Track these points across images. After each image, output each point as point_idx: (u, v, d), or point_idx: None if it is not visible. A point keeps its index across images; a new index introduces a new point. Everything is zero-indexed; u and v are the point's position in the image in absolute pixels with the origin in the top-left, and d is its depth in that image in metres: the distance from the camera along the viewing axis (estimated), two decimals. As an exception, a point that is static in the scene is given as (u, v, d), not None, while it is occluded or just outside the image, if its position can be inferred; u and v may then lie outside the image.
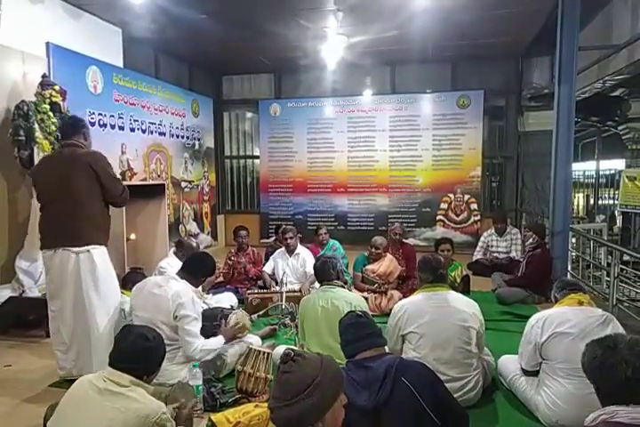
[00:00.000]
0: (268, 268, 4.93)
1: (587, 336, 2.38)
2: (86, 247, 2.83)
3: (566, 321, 2.44)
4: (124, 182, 3.24)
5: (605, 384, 1.53)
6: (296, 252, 4.87)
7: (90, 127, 3.15)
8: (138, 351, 1.93)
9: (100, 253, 2.90)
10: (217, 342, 2.92)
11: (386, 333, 2.84)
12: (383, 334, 2.03)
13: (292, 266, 4.85)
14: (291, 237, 4.83)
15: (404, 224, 6.61)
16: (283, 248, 4.99)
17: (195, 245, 4.28)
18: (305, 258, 4.80)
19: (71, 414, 1.83)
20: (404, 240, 5.32)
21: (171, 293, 2.74)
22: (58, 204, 2.87)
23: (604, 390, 1.54)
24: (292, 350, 1.44)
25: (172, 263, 3.89)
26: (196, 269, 3.00)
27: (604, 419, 1.49)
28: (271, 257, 5.01)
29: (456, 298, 2.71)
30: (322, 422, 1.34)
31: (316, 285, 4.33)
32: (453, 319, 2.58)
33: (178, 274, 2.96)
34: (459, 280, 4.79)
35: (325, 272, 3.03)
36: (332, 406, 1.36)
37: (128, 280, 3.60)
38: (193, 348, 2.71)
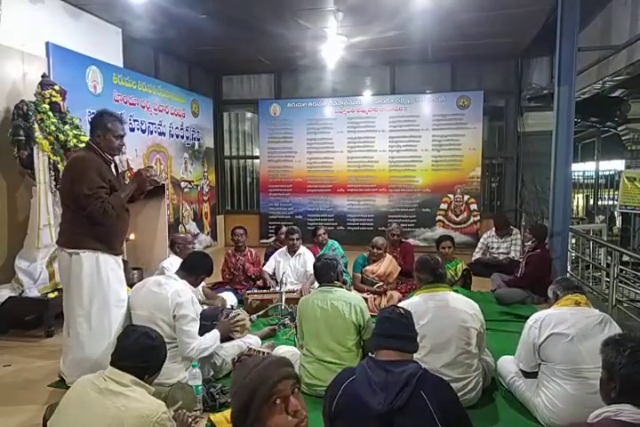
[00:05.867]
0: (268, 267, 4.92)
1: (584, 337, 2.39)
2: (76, 250, 2.77)
3: (564, 322, 2.44)
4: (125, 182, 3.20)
5: (630, 381, 1.52)
6: (298, 252, 4.88)
7: (110, 126, 2.86)
8: (141, 349, 1.94)
9: (90, 258, 2.78)
10: (212, 336, 2.91)
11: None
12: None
13: (293, 266, 4.85)
14: (297, 238, 4.84)
15: (404, 225, 6.61)
16: (284, 248, 4.99)
17: (189, 237, 4.34)
18: (306, 259, 4.80)
19: (72, 413, 1.83)
20: (402, 240, 5.34)
21: (171, 291, 2.75)
22: (61, 204, 2.97)
23: (625, 388, 1.53)
24: (249, 353, 1.41)
25: (174, 263, 3.89)
26: (195, 268, 3.01)
27: (607, 416, 1.50)
28: (272, 256, 5.01)
29: (456, 298, 2.71)
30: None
31: (316, 285, 4.34)
32: (454, 320, 2.58)
33: (177, 273, 2.97)
34: (459, 274, 4.79)
35: (325, 274, 3.02)
36: (253, 415, 1.21)
37: None
38: (189, 349, 2.72)
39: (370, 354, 2.02)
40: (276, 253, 5.00)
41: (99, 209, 2.70)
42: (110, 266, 2.85)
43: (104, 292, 2.82)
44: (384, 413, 1.62)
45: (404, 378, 1.67)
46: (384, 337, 1.83)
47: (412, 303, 2.70)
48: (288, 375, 1.27)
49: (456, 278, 4.73)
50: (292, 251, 4.89)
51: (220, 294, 4.42)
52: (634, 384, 1.51)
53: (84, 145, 3.06)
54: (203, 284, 4.07)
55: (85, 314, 2.79)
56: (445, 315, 2.59)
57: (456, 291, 4.44)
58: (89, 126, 2.94)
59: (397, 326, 1.85)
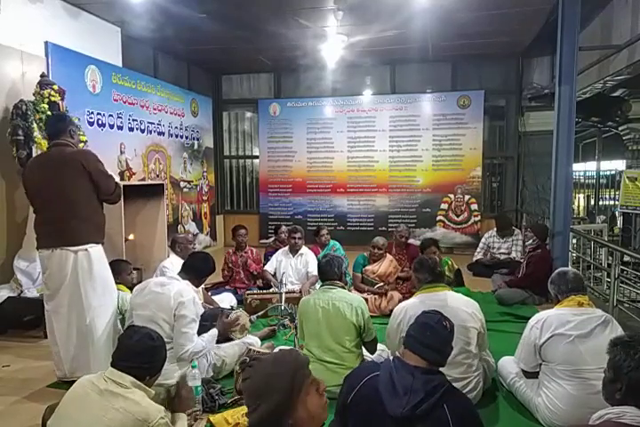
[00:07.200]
0: (270, 267, 4.89)
1: (586, 338, 2.38)
2: (84, 246, 2.84)
3: (566, 323, 2.43)
4: (123, 182, 3.24)
5: (637, 385, 1.51)
6: (300, 252, 4.85)
7: (76, 124, 3.13)
8: (143, 350, 1.93)
9: (96, 252, 2.90)
10: (209, 336, 2.90)
11: (386, 335, 2.83)
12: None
13: (294, 266, 4.83)
14: (299, 238, 4.82)
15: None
16: (285, 247, 4.97)
17: (190, 237, 4.32)
18: (307, 259, 4.78)
19: (71, 413, 1.82)
20: (408, 241, 5.31)
21: (173, 291, 2.74)
22: (53, 204, 2.87)
23: (631, 390, 1.51)
24: (250, 355, 1.41)
25: (175, 263, 3.88)
26: (197, 269, 3.00)
27: (609, 418, 1.48)
28: (274, 256, 4.98)
29: (455, 298, 2.70)
30: (292, 418, 1.28)
31: (317, 286, 4.33)
32: (453, 320, 2.52)
33: (179, 274, 2.95)
34: (452, 276, 4.79)
35: (330, 271, 3.01)
36: (293, 402, 1.29)
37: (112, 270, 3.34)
38: (183, 351, 2.71)
39: (387, 354, 1.97)
40: (277, 253, 4.98)
41: (119, 188, 3.01)
42: (105, 256, 3.01)
43: (112, 281, 3.02)
44: (404, 417, 1.59)
45: (430, 387, 1.63)
46: (421, 344, 1.77)
47: (412, 304, 2.69)
48: (308, 360, 1.40)
49: (450, 279, 4.71)
50: (294, 250, 4.87)
51: (219, 295, 4.41)
52: None
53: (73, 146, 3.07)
54: (202, 285, 4.06)
55: (103, 305, 2.90)
56: (445, 315, 2.57)
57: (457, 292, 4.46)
58: (55, 129, 3.03)
59: (438, 339, 1.79)
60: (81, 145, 3.83)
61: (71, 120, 3.07)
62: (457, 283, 4.82)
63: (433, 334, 1.79)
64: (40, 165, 2.96)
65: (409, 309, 2.64)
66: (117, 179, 3.11)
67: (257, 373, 1.34)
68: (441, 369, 2.45)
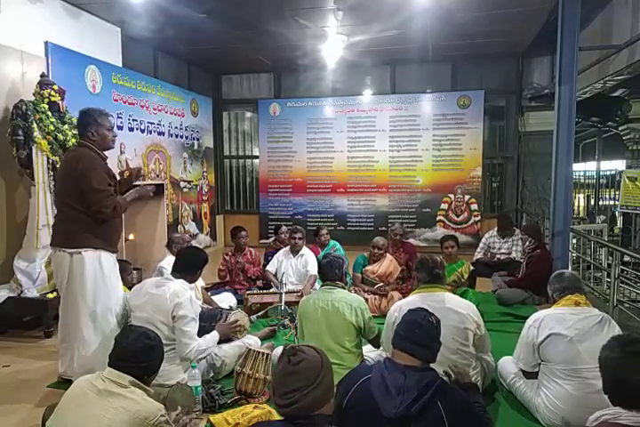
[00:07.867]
0: (271, 267, 4.88)
1: (584, 337, 2.38)
2: (78, 249, 2.79)
3: (563, 322, 2.43)
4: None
5: (622, 385, 1.51)
6: (301, 252, 4.84)
7: (98, 122, 2.87)
8: (139, 349, 1.92)
9: (92, 257, 2.81)
10: (211, 338, 2.89)
11: (382, 335, 2.83)
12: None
13: (294, 266, 4.82)
14: (300, 238, 4.81)
15: (404, 225, 6.58)
16: (286, 248, 4.97)
17: (186, 236, 4.32)
18: (308, 259, 4.77)
19: (70, 414, 1.82)
20: (404, 240, 5.31)
21: (169, 292, 2.73)
22: (57, 204, 2.94)
23: (615, 391, 1.52)
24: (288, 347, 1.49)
25: (172, 263, 3.87)
26: (189, 264, 2.97)
27: (606, 419, 1.49)
28: (275, 256, 4.97)
29: (452, 299, 2.69)
30: (329, 402, 1.47)
31: (317, 286, 4.33)
32: (449, 320, 2.54)
33: (172, 274, 2.93)
34: (465, 276, 4.76)
35: (330, 271, 3.01)
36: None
37: None
38: (188, 349, 2.69)
39: (386, 354, 1.96)
40: (278, 253, 4.97)
41: (109, 205, 2.77)
42: (110, 264, 2.91)
43: (107, 290, 2.88)
44: (398, 417, 1.59)
45: (422, 385, 1.63)
46: (409, 342, 1.77)
47: (408, 302, 2.67)
48: None
49: (462, 280, 4.68)
50: (295, 251, 4.86)
51: (219, 295, 4.40)
52: (623, 387, 1.50)
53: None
54: (202, 283, 4.05)
55: (90, 312, 2.83)
56: (440, 315, 2.55)
57: (465, 293, 4.41)
58: (77, 130, 3.00)
59: (426, 335, 1.79)
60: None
61: (93, 119, 2.86)
62: (469, 285, 4.79)
63: (421, 331, 1.79)
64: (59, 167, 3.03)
65: (404, 307, 2.62)
66: (112, 191, 2.86)
67: (313, 358, 1.47)
68: (437, 370, 2.46)
